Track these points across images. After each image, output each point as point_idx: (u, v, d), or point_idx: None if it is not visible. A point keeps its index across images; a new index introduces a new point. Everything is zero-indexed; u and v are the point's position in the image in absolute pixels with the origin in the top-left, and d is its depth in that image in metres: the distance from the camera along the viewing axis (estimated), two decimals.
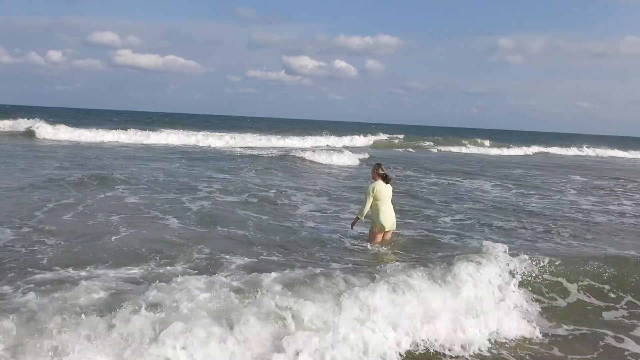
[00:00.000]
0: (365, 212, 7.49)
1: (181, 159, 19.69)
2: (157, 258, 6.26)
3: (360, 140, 40.74)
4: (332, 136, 39.76)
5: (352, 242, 7.69)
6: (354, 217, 7.86)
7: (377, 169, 7.65)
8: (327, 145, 35.47)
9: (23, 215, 8.19)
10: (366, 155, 24.40)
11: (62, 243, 6.74)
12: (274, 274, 5.02)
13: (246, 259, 6.38)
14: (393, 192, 7.74)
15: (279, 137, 37.44)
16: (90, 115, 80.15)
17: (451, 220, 9.98)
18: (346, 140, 39.31)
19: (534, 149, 44.92)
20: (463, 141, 45.23)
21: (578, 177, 21.07)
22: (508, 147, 44.14)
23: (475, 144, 44.68)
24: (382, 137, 44.79)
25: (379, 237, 7.58)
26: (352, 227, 7.86)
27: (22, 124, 30.28)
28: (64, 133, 28.76)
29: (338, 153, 22.58)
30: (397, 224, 7.75)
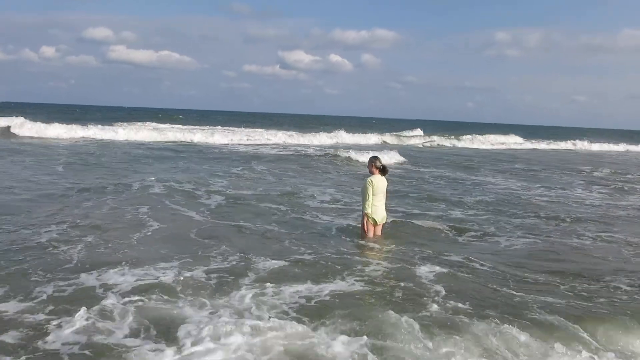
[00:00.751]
0: (369, 206, 7.40)
1: (215, 159, 18.86)
2: (192, 259, 6.11)
3: (380, 138, 38.62)
4: (351, 133, 37.51)
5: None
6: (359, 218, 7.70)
7: (375, 162, 7.56)
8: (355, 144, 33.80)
9: (53, 216, 8.03)
10: (399, 157, 21.82)
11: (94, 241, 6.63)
12: None
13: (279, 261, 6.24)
14: (387, 185, 7.65)
15: (301, 134, 36.34)
16: (89, 111, 79.84)
17: (475, 213, 9.87)
18: (359, 138, 37.02)
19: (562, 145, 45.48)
20: (488, 136, 45.41)
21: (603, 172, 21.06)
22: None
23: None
24: (417, 133, 42.97)
25: (371, 230, 7.53)
26: (365, 230, 7.55)
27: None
28: (65, 131, 27.20)
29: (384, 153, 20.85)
30: (426, 217, 7.63)
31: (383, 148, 26.90)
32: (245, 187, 12.13)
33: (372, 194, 7.36)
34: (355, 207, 10.06)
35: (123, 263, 5.73)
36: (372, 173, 7.55)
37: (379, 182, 7.44)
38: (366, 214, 7.45)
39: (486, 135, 47.01)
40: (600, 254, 7.21)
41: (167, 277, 5.29)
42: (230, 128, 41.70)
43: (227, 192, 11.14)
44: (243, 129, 41.09)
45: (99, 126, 29.61)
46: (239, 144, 28.30)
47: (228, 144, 27.78)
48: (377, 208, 7.48)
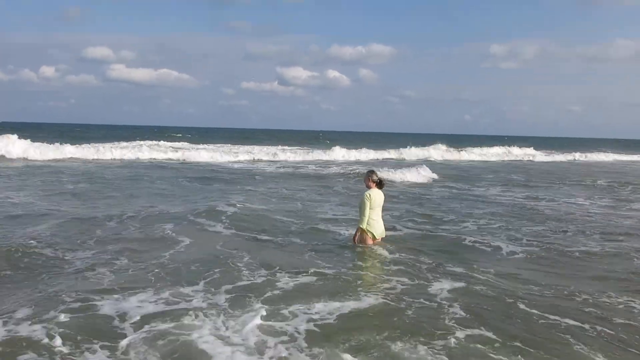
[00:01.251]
0: (366, 221, 7.40)
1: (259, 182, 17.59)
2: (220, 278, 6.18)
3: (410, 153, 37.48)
4: (367, 149, 36.67)
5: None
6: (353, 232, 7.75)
7: (371, 176, 7.56)
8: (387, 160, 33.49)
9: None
10: (430, 173, 20.71)
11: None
12: None
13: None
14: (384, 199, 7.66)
15: (312, 149, 36.48)
16: (90, 130, 79.72)
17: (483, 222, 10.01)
18: (372, 154, 35.81)
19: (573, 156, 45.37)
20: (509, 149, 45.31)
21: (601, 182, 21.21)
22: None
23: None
24: (437, 147, 41.39)
25: (370, 241, 7.52)
26: (354, 241, 7.60)
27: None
28: (67, 151, 25.96)
29: (409, 170, 20.12)
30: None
31: (403, 164, 26.48)
32: (266, 202, 12.25)
33: (370, 208, 7.35)
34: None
35: (149, 286, 5.69)
36: (368, 187, 7.56)
37: (376, 196, 7.43)
38: (363, 229, 7.44)
39: (511, 147, 46.70)
40: (608, 263, 7.35)
41: (192, 302, 5.22)
42: (237, 146, 41.73)
43: (247, 206, 11.24)
44: (249, 146, 41.21)
45: (100, 145, 29.24)
46: (248, 161, 28.23)
47: (231, 162, 27.75)
48: (376, 222, 7.47)
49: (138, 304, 5.16)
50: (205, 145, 41.06)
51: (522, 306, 5.39)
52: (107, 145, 30.67)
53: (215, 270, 6.37)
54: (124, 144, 35.72)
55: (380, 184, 7.57)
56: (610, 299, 5.72)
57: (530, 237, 8.99)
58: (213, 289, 5.69)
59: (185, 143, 43.59)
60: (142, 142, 39.36)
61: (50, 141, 28.06)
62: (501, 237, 8.95)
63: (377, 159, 34.08)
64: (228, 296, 5.47)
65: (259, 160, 28.95)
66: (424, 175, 19.81)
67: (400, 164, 25.71)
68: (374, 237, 7.51)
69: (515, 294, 5.76)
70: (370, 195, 7.39)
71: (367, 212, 7.35)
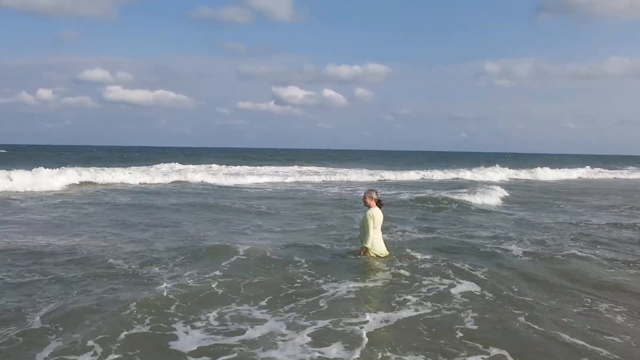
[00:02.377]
0: (370, 240, 7.25)
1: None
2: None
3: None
4: (430, 170, 35.20)
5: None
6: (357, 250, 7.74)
7: (372, 195, 7.43)
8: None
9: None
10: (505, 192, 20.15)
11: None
12: None
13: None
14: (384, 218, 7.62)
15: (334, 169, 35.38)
16: (88, 152, 78.46)
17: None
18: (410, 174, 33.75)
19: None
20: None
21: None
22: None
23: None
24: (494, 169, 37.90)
25: (370, 252, 7.44)
26: (361, 255, 7.54)
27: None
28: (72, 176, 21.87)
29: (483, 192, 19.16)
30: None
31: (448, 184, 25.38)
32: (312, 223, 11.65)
33: (373, 227, 7.19)
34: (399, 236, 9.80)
35: (214, 306, 5.54)
36: (369, 206, 7.36)
37: (378, 215, 7.25)
38: (367, 249, 7.28)
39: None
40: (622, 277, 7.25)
41: (260, 329, 5.02)
42: (263, 167, 39.28)
43: (292, 228, 10.79)
44: (274, 167, 39.41)
45: (103, 169, 25.92)
46: (290, 182, 26.15)
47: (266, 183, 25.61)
48: (378, 242, 7.33)
49: (203, 336, 4.82)
50: (230, 167, 38.79)
51: (539, 327, 5.17)
52: (114, 168, 28.49)
53: (270, 291, 6.20)
54: (132, 168, 33.25)
55: (379, 203, 7.42)
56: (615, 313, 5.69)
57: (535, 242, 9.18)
58: (276, 306, 5.57)
59: (204, 165, 40.88)
60: (196, 167, 36.51)
61: (51, 166, 23.67)
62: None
63: (445, 179, 32.41)
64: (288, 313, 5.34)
65: (296, 182, 26.96)
66: (498, 196, 19.05)
67: (442, 185, 25.16)
68: (377, 257, 7.36)
69: (531, 310, 5.67)
70: (373, 214, 7.22)
71: (372, 232, 7.21)
